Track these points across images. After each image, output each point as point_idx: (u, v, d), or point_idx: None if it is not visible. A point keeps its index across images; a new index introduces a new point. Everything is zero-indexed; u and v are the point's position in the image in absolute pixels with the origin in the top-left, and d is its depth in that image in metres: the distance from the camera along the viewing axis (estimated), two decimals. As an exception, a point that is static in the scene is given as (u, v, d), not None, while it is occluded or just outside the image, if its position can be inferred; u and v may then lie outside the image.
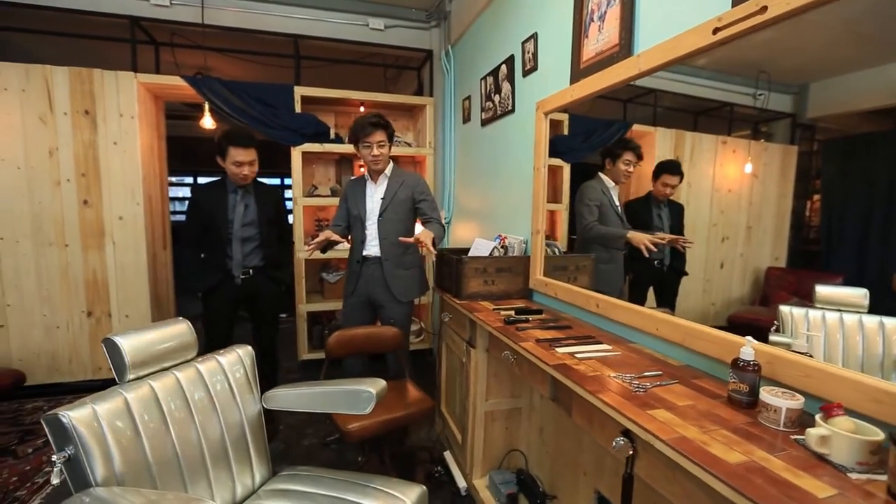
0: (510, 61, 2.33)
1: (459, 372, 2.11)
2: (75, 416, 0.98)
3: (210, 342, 2.24)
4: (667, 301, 1.56)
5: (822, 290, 1.11)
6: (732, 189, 1.38)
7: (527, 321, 1.69)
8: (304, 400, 1.37)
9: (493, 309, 1.90)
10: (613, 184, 1.73)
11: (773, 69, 1.17)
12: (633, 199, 1.72)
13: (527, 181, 2.14)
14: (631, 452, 0.97)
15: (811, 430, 0.80)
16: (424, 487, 1.27)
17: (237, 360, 1.37)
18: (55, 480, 0.96)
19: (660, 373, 1.20)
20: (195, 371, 1.26)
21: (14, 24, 2.84)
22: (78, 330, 2.82)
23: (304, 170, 3.43)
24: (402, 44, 3.47)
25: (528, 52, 2.14)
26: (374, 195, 2.25)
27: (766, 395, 0.92)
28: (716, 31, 1.14)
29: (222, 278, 2.29)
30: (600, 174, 1.76)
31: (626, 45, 1.49)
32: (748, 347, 1.00)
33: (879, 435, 0.74)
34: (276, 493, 1.27)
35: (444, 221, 3.50)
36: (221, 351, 1.37)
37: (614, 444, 0.99)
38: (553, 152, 2.06)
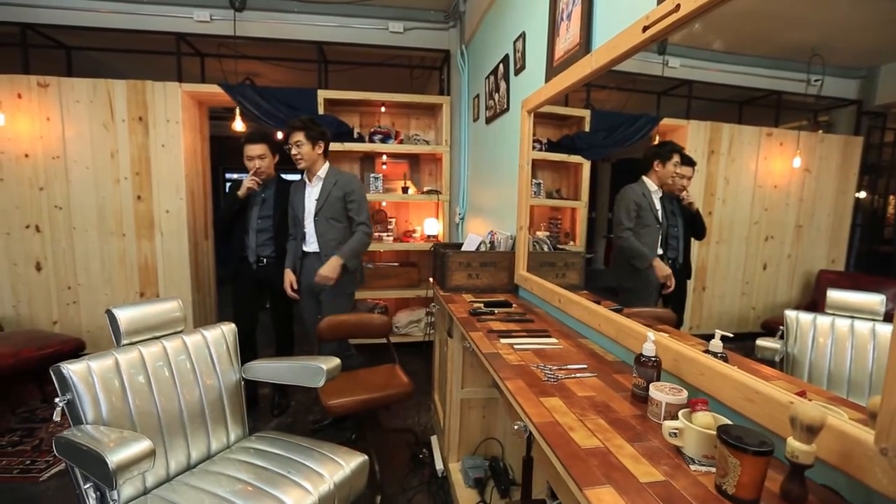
0: (506, 60, 2.37)
1: (445, 360, 2.21)
2: (74, 369, 1.22)
3: (235, 320, 2.52)
4: (676, 299, 1.54)
5: (833, 295, 1.08)
6: (779, 185, 1.30)
7: (492, 313, 1.76)
8: (274, 372, 1.55)
9: (470, 301, 1.98)
10: (657, 187, 1.64)
11: (833, 52, 1.06)
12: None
13: (516, 179, 2.18)
14: (527, 435, 1.03)
15: (666, 423, 0.83)
16: (366, 457, 1.40)
17: (221, 335, 1.58)
18: (57, 418, 1.19)
19: (585, 366, 1.23)
20: (181, 342, 1.48)
21: (89, 43, 3.32)
22: (133, 307, 3.26)
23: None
24: (421, 45, 3.60)
25: (518, 52, 2.18)
26: (311, 196, 2.40)
27: (653, 389, 0.94)
28: (645, 28, 1.15)
29: (241, 263, 2.59)
30: (643, 177, 1.66)
31: (584, 44, 1.50)
32: (649, 343, 1.02)
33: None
34: (245, 449, 1.46)
35: (458, 217, 3.60)
36: (208, 327, 1.58)
37: (515, 426, 1.06)
38: (573, 149, 2.06)
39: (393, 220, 3.87)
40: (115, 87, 3.07)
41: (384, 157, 3.88)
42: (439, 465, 2.12)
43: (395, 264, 3.82)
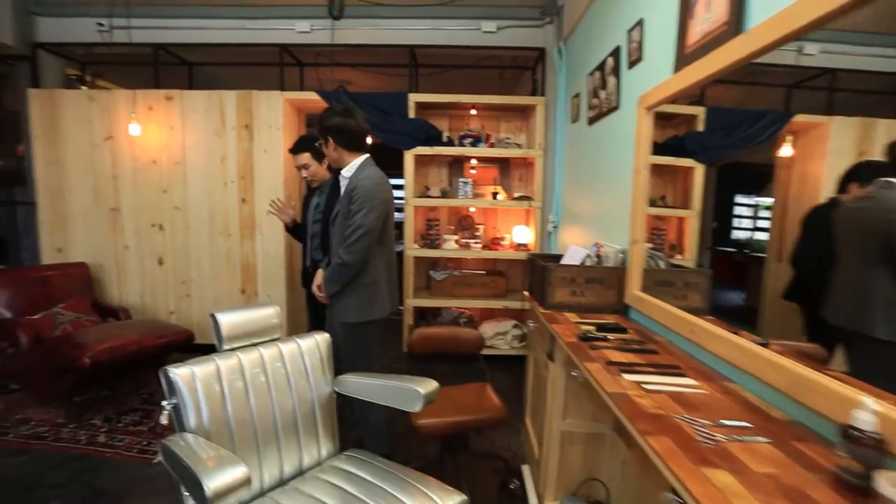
0: (616, 53, 2.12)
1: (542, 384, 2.01)
2: (179, 373, 1.22)
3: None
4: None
5: None
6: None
7: (605, 339, 1.53)
8: (366, 390, 1.47)
9: (576, 322, 1.76)
10: None
11: None
12: (816, 209, 1.17)
13: (628, 185, 1.92)
14: (679, 514, 0.81)
15: (932, 547, 0.56)
16: (465, 497, 1.25)
17: (315, 345, 1.53)
18: (164, 421, 1.20)
19: (748, 425, 0.97)
20: (277, 350, 1.45)
21: (205, 58, 3.63)
22: (235, 303, 3.49)
23: (418, 171, 3.64)
24: (514, 44, 3.43)
25: (634, 42, 1.92)
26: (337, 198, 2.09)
27: (885, 483, 0.67)
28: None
29: (303, 267, 2.63)
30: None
31: (734, 22, 1.23)
32: (865, 412, 0.74)
33: None
34: (335, 469, 1.39)
35: (552, 226, 3.36)
36: (303, 335, 1.54)
37: (661, 497, 0.84)
38: (682, 151, 1.82)
39: (481, 227, 3.74)
40: (226, 97, 3.30)
41: (473, 162, 3.77)
42: (533, 501, 1.92)
43: (482, 272, 3.68)
